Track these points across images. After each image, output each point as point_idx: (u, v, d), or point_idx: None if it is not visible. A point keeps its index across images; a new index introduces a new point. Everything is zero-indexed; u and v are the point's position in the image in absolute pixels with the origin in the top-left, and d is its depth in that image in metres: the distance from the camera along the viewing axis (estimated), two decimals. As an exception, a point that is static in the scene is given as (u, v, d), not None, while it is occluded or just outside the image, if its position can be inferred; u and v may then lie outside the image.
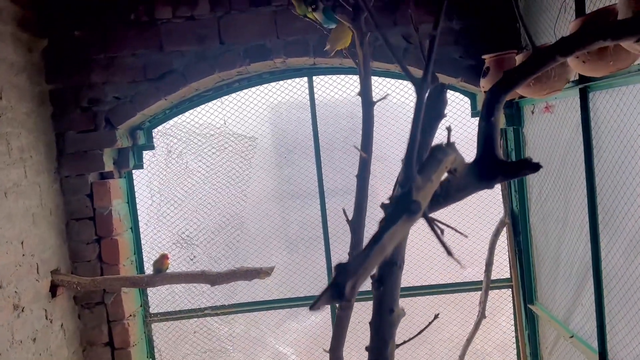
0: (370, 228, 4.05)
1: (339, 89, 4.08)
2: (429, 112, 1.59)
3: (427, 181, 1.03)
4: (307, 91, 4.03)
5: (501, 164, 1.34)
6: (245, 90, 4.09)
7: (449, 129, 1.37)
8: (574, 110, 2.86)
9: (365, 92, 2.37)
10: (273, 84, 4.08)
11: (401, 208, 0.89)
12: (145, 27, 3.66)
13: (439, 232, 1.02)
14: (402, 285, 1.38)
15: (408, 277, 4.12)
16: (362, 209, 2.40)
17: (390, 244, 0.87)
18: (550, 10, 3.10)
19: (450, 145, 1.33)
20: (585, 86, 2.65)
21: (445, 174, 1.44)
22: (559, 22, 2.90)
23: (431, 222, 1.37)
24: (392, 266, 1.66)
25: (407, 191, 0.92)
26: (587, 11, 2.60)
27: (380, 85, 4.06)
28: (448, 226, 1.40)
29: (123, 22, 3.66)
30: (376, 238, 0.85)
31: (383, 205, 1.71)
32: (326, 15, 2.81)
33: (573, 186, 2.97)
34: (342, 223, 4.16)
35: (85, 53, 3.65)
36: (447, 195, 1.44)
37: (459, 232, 1.35)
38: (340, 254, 4.16)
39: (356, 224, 2.40)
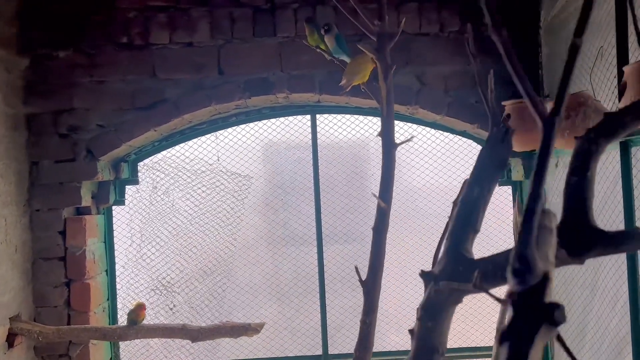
0: (388, 291, 3.69)
1: (343, 129, 3.79)
2: (489, 160, 1.28)
3: (549, 264, 0.69)
4: (309, 129, 3.73)
5: (598, 233, 1.01)
6: (243, 126, 3.78)
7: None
8: (610, 166, 2.58)
9: (387, 133, 2.06)
10: (273, 120, 3.77)
11: (536, 315, 0.55)
12: (138, 51, 3.36)
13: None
14: None
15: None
16: (377, 267, 2.05)
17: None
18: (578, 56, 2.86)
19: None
20: (627, 140, 2.37)
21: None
22: (593, 68, 2.65)
23: (498, 300, 1.04)
24: (433, 353, 1.32)
25: (538, 288, 0.58)
26: (631, 57, 2.35)
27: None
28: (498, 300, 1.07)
29: (114, 44, 3.36)
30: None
31: (424, 275, 1.36)
32: (338, 41, 2.55)
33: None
34: (339, 274, 3.80)
35: (69, 75, 3.33)
36: (518, 269, 1.11)
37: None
38: (337, 309, 3.78)
39: (371, 286, 2.04)
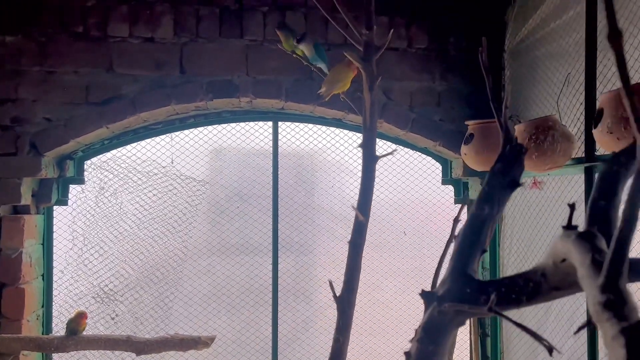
0: (364, 307, 3.60)
1: (305, 139, 3.71)
2: (500, 179, 1.25)
3: (630, 296, 0.65)
4: (270, 137, 3.63)
5: (633, 263, 0.98)
6: (201, 128, 3.62)
7: (572, 206, 1.01)
8: (571, 189, 2.65)
9: (368, 145, 2.00)
10: (233, 124, 3.64)
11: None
12: (94, 42, 3.15)
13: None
14: None
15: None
16: (353, 283, 1.97)
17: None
18: (543, 82, 2.95)
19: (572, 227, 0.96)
20: (592, 165, 2.44)
21: (540, 265, 1.08)
22: (560, 95, 2.73)
23: (519, 325, 1.01)
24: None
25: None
26: (599, 85, 2.43)
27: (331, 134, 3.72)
28: (527, 329, 1.05)
29: (68, 33, 3.13)
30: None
31: (426, 295, 1.30)
32: (316, 49, 2.48)
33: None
34: (294, 287, 3.70)
35: (16, 63, 3.07)
36: (536, 292, 1.08)
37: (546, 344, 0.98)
38: (289, 323, 3.67)
39: (345, 302, 1.96)
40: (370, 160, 2.03)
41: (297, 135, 3.70)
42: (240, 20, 3.27)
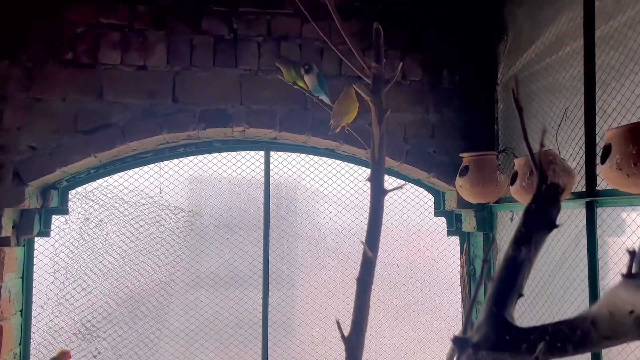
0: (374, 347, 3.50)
1: (297, 169, 3.66)
2: (537, 219, 1.21)
3: None
4: (262, 167, 3.56)
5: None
6: (191, 157, 3.54)
7: (632, 253, 0.96)
8: (572, 224, 2.65)
9: (376, 179, 1.96)
10: (224, 154, 3.57)
11: None
12: (84, 69, 3.07)
13: None
14: None
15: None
16: (362, 323, 1.90)
17: None
18: (539, 115, 2.97)
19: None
20: (592, 200, 2.44)
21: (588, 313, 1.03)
22: (559, 129, 2.74)
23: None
24: None
25: None
26: (598, 120, 2.45)
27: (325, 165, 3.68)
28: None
29: (57, 59, 3.04)
30: None
31: (458, 341, 1.24)
32: (320, 80, 2.45)
33: (565, 304, 2.70)
34: (284, 322, 3.59)
35: (1, 89, 2.96)
36: (584, 341, 1.03)
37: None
38: (279, 359, 3.55)
39: (354, 342, 1.88)
40: (378, 193, 1.98)
41: (289, 165, 3.64)
42: (235, 50, 3.24)
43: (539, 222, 1.19)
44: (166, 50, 3.17)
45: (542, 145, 1.27)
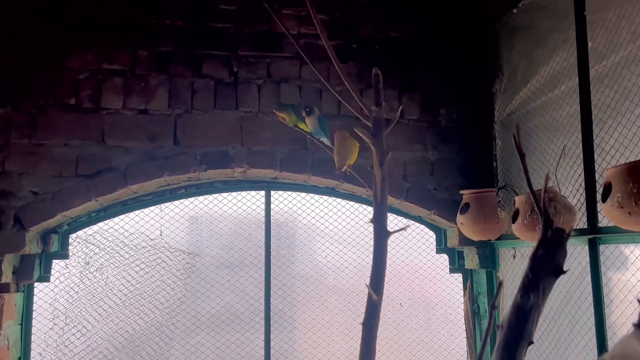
0: None
1: (298, 207, 3.66)
2: (544, 265, 1.21)
3: None
4: (263, 206, 3.57)
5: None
6: (191, 199, 3.54)
7: None
8: (575, 261, 2.64)
9: (379, 220, 1.96)
10: (225, 194, 3.57)
11: None
12: (86, 114, 3.10)
13: None
14: None
15: None
16: (369, 368, 1.87)
17: None
18: (537, 152, 3.00)
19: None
20: (595, 237, 2.44)
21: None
22: (557, 167, 2.77)
23: None
24: None
25: None
26: (597, 158, 2.48)
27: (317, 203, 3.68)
28: None
29: (60, 105, 3.08)
30: None
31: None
32: (320, 123, 2.48)
33: (572, 344, 2.66)
34: (287, 364, 3.53)
35: (4, 135, 2.99)
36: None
37: None
38: (283, 403, 3.47)
39: (361, 389, 1.85)
40: (382, 235, 1.98)
41: (290, 205, 3.65)
42: (235, 92, 3.28)
43: (546, 267, 1.19)
44: (167, 93, 3.21)
45: (545, 192, 1.28)
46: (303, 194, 3.67)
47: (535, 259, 1.19)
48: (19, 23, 3.08)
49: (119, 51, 3.18)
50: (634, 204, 1.91)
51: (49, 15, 3.12)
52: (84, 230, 3.36)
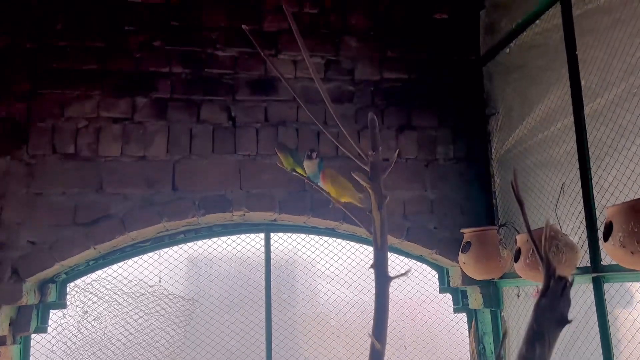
0: None
1: (298, 249, 3.63)
2: (548, 315, 1.18)
3: None
4: (262, 248, 3.54)
5: None
6: (190, 244, 3.51)
7: None
8: (580, 299, 2.60)
9: (380, 265, 1.94)
10: (224, 238, 3.55)
11: None
12: (84, 162, 3.11)
13: None
14: None
15: None
16: (374, 420, 1.81)
17: None
18: (536, 190, 2.99)
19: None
20: (599, 276, 2.41)
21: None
22: (557, 204, 2.76)
23: None
24: None
25: None
26: (596, 195, 2.47)
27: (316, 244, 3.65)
28: None
29: (58, 154, 3.09)
30: None
31: None
32: (320, 167, 2.48)
33: (581, 386, 2.60)
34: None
35: (3, 185, 2.98)
36: None
37: None
38: None
39: None
40: (383, 281, 1.95)
41: (290, 246, 3.62)
42: (234, 137, 3.30)
43: (550, 318, 1.17)
44: (166, 140, 3.23)
45: (546, 239, 1.26)
46: (303, 235, 3.64)
47: (538, 309, 1.16)
48: (18, 75, 3.12)
49: (118, 99, 3.21)
50: (636, 243, 1.89)
51: (47, 67, 3.17)
52: (82, 278, 3.32)
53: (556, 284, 1.16)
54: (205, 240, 3.54)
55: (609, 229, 2.03)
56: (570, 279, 1.18)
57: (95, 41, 3.25)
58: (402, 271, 3.78)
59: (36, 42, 3.18)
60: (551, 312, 1.15)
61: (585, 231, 2.51)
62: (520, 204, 1.23)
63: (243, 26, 1.97)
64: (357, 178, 2.06)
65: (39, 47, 3.17)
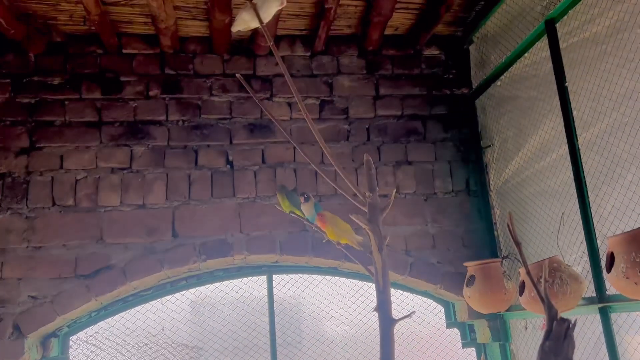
0: None
1: (302, 290, 3.60)
2: (552, 358, 1.17)
3: None
4: (265, 291, 3.50)
5: None
6: (192, 290, 3.49)
7: None
8: (588, 330, 2.56)
9: (383, 308, 1.92)
10: (226, 282, 3.52)
11: None
12: (84, 214, 3.12)
13: None
14: None
15: None
16: None
17: None
18: (536, 220, 2.99)
19: None
20: (605, 306, 2.38)
21: None
22: (559, 234, 2.75)
23: None
24: None
25: None
26: (596, 224, 2.46)
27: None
28: None
29: (58, 207, 3.10)
30: None
31: None
32: (316, 210, 2.49)
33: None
34: None
35: (2, 241, 2.98)
36: None
37: None
38: None
39: None
40: (387, 323, 1.93)
41: (293, 287, 3.59)
42: (232, 180, 3.32)
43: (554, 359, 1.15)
44: (165, 186, 3.24)
45: (546, 280, 1.26)
46: (306, 275, 3.62)
47: (543, 352, 1.15)
48: (17, 131, 3.16)
49: (116, 150, 3.24)
50: (639, 273, 1.87)
51: (46, 121, 3.21)
52: (85, 331, 3.29)
53: (559, 326, 1.15)
54: (207, 286, 3.52)
55: (611, 259, 2.02)
56: (572, 321, 1.17)
57: (92, 92, 3.30)
58: (409, 308, 3.75)
59: (34, 96, 3.23)
60: (556, 355, 1.13)
61: (587, 260, 2.49)
62: (517, 245, 1.23)
63: (237, 74, 2.01)
64: (356, 220, 2.06)
65: (37, 103, 3.22)
